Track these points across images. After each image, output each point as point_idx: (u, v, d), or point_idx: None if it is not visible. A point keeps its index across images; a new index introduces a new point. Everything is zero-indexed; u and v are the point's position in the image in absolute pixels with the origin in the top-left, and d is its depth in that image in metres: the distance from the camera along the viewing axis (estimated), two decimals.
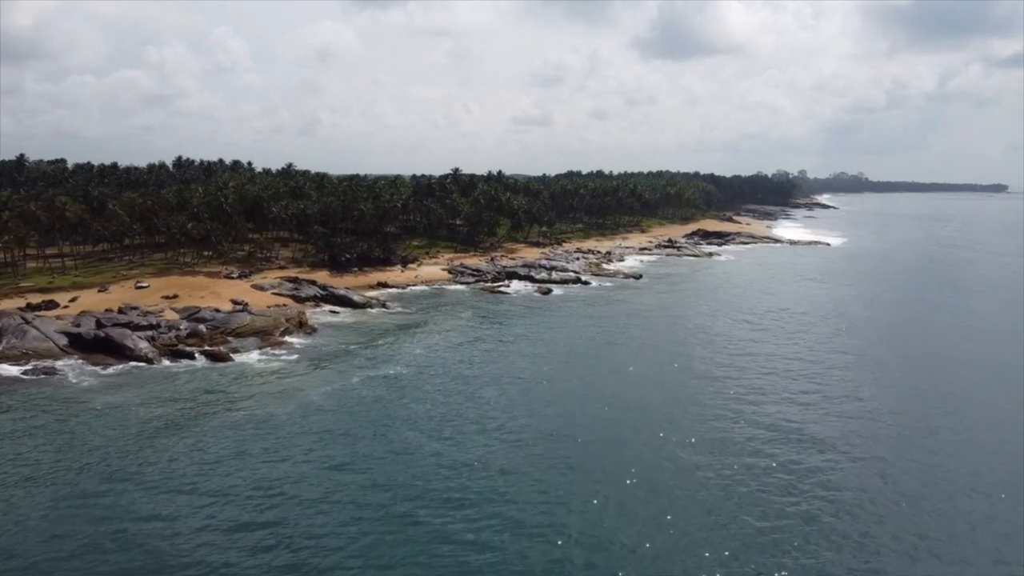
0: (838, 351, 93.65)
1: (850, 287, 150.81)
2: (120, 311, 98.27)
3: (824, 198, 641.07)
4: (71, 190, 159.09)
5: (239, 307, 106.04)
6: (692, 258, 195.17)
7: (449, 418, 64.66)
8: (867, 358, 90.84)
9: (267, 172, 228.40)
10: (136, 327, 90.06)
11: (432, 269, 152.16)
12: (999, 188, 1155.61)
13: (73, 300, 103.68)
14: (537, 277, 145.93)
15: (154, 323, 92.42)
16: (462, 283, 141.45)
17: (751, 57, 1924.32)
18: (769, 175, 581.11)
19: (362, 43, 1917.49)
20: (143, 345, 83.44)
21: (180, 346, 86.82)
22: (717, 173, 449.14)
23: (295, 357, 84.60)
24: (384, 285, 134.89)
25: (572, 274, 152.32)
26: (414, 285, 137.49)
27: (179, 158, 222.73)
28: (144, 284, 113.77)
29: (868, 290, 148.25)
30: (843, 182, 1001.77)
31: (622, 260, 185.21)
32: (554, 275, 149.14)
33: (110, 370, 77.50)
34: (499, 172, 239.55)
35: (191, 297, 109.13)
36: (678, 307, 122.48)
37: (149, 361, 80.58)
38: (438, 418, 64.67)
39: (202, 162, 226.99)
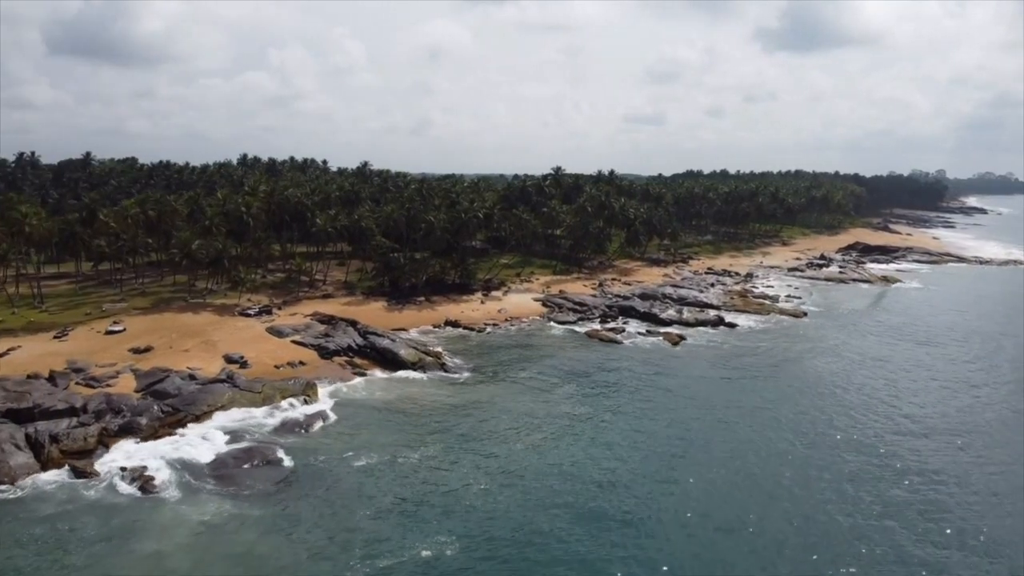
0: None
1: None
2: (50, 377, 66.61)
3: (972, 200, 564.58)
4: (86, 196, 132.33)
5: (233, 366, 73.00)
6: (864, 284, 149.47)
7: None
8: None
9: (341, 172, 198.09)
10: (45, 412, 57.59)
11: (522, 299, 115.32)
12: None
13: (4, 353, 73.23)
14: (662, 316, 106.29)
15: (78, 405, 59.59)
16: (560, 322, 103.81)
17: (886, 48, 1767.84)
18: (904, 175, 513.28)
19: (474, 41, 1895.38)
20: (21, 460, 50.44)
21: (97, 452, 53.72)
22: (842, 171, 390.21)
23: (258, 496, 49.26)
24: (455, 324, 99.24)
25: (710, 311, 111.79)
26: (495, 324, 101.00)
27: (244, 156, 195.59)
28: (118, 327, 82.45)
29: None
30: (990, 183, 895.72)
31: (769, 285, 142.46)
32: (685, 313, 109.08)
33: None
34: (611, 172, 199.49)
35: (172, 350, 76.71)
36: (893, 373, 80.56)
37: (17, 488, 47.46)
38: None
39: (270, 160, 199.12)
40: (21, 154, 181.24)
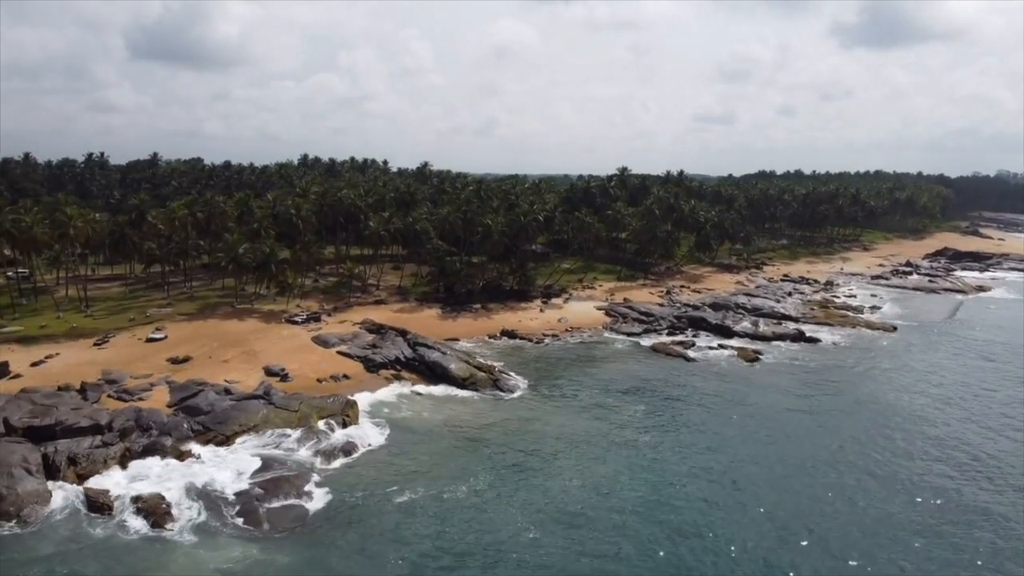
0: None
1: None
2: (81, 389, 63.10)
3: None
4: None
5: (273, 379, 68.46)
6: (957, 295, 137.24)
7: None
8: None
9: (401, 173, 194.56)
10: (67, 430, 53.66)
11: (583, 308, 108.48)
12: None
13: (41, 362, 70.25)
14: (736, 328, 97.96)
15: (103, 422, 55.46)
16: (624, 333, 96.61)
17: (970, 43, 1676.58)
18: (991, 176, 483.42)
19: (541, 40, 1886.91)
20: (30, 487, 46.30)
21: (115, 476, 49.34)
22: (924, 172, 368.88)
23: (286, 538, 43.91)
24: (511, 335, 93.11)
25: (789, 323, 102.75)
26: (554, 335, 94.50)
27: (304, 156, 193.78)
28: (159, 335, 78.96)
29: None
30: None
31: (852, 295, 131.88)
32: (761, 325, 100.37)
33: None
34: (680, 172, 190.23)
35: (211, 360, 72.69)
36: (1011, 408, 70.64)
37: (21, 521, 43.31)
38: None
39: (330, 160, 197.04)
40: (90, 155, 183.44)
